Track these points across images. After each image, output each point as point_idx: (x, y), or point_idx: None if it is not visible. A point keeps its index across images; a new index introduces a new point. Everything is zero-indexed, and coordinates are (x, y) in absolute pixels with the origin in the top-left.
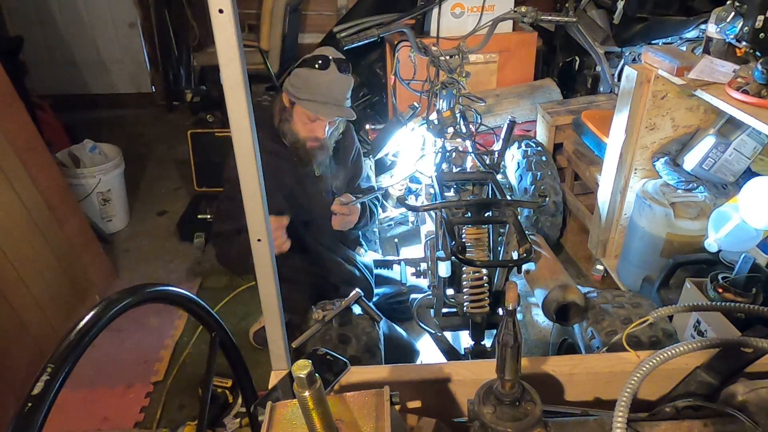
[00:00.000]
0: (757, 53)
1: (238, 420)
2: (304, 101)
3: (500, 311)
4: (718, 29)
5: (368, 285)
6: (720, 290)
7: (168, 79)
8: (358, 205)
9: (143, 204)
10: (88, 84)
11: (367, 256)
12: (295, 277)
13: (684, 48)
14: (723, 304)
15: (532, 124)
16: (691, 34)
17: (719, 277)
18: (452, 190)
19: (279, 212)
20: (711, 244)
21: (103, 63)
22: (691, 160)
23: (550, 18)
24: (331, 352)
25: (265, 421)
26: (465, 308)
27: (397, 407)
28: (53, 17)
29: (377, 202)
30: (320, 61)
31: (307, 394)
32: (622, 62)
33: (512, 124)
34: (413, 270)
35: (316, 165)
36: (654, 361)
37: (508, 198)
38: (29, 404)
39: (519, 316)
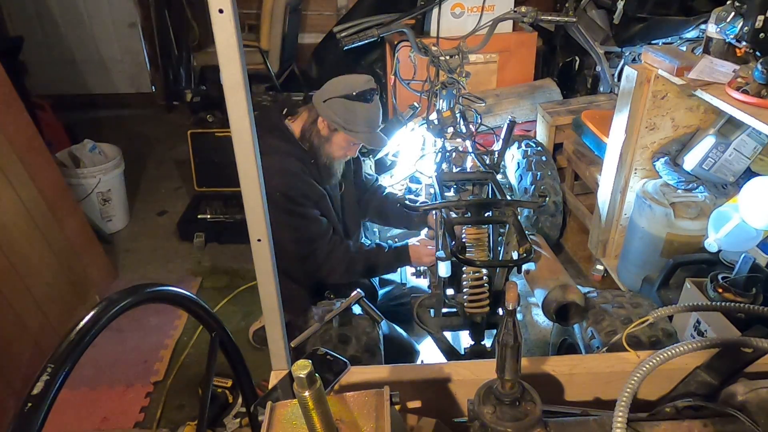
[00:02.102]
0: (757, 53)
1: (238, 420)
2: (357, 133)
3: (500, 311)
4: (718, 29)
5: (371, 287)
6: (720, 290)
7: (168, 79)
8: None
9: (143, 204)
10: (88, 84)
11: None
12: (297, 277)
13: (684, 48)
14: (723, 304)
15: (532, 124)
16: (691, 34)
17: (719, 277)
18: (452, 190)
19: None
20: (711, 244)
21: (103, 63)
22: (691, 160)
23: (550, 18)
24: (331, 352)
25: (265, 421)
26: (465, 308)
27: (397, 407)
28: (53, 17)
29: None
30: (368, 95)
31: (307, 394)
32: (622, 62)
33: (512, 124)
34: (413, 270)
35: (338, 177)
36: (654, 361)
37: (508, 198)
38: (29, 404)
39: (519, 316)
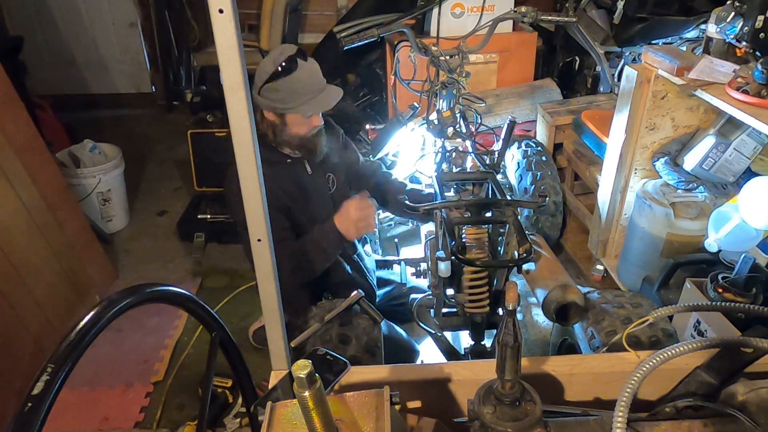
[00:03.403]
0: (757, 53)
1: (238, 420)
2: (300, 107)
3: (500, 311)
4: (718, 29)
5: (370, 288)
6: (720, 290)
7: (168, 79)
8: (373, 201)
9: (143, 204)
10: (88, 84)
11: (368, 259)
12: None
13: (684, 48)
14: (723, 304)
15: (532, 124)
16: (691, 34)
17: (719, 277)
18: (452, 190)
19: (284, 211)
20: (711, 244)
21: (103, 63)
22: (691, 160)
23: (550, 18)
24: (331, 352)
25: (265, 421)
26: (465, 308)
27: (397, 407)
28: (53, 17)
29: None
30: (287, 65)
31: (307, 394)
32: (622, 62)
33: (512, 124)
34: (413, 270)
35: (324, 146)
36: (654, 361)
37: (508, 198)
38: (29, 404)
39: (519, 316)
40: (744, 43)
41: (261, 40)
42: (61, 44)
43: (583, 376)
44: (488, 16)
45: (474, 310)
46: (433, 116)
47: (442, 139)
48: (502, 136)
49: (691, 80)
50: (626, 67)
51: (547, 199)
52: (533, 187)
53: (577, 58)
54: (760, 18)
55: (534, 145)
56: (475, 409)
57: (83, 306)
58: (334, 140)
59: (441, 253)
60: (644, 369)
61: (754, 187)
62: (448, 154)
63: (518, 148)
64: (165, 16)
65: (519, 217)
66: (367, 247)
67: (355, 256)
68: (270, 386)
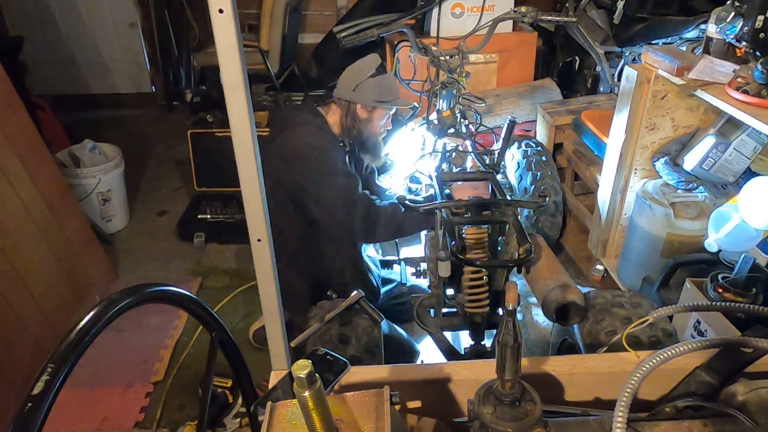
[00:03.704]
0: (757, 53)
1: (238, 420)
2: (392, 102)
3: (500, 311)
4: (718, 29)
5: (374, 287)
6: (720, 290)
7: (168, 79)
8: None
9: (143, 204)
10: (88, 84)
11: (372, 259)
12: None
13: (684, 48)
14: (723, 304)
15: (532, 124)
16: (691, 34)
17: (719, 277)
18: None
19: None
20: (711, 244)
21: (103, 63)
22: (691, 160)
23: (550, 18)
24: (331, 352)
25: (265, 421)
26: (465, 308)
27: (397, 407)
28: (53, 17)
29: None
30: (381, 68)
31: (307, 394)
32: (622, 62)
33: (512, 124)
34: (413, 270)
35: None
36: (654, 361)
37: (508, 198)
38: (29, 404)
39: (519, 316)
40: (744, 43)
41: (261, 40)
42: (61, 44)
43: (583, 376)
44: (488, 16)
45: (474, 310)
46: (433, 116)
47: (442, 139)
48: (502, 136)
49: (691, 80)
50: (626, 67)
51: (547, 199)
52: (533, 187)
53: (577, 58)
54: (760, 18)
55: (534, 145)
56: (475, 409)
57: (83, 306)
58: None
59: (441, 253)
60: (644, 369)
61: (754, 187)
62: (448, 154)
63: (518, 148)
64: (165, 16)
65: (519, 217)
66: (370, 250)
67: (363, 255)
68: (270, 386)
